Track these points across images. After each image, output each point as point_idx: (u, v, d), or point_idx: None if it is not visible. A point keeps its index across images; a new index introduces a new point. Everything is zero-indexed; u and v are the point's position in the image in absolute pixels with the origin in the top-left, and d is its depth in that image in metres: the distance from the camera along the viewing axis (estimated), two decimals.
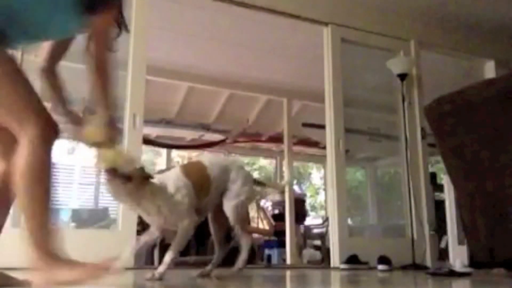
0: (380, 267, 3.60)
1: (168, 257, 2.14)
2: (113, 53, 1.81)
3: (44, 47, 1.81)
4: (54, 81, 1.86)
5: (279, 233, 6.53)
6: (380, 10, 4.65)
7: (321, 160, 8.87)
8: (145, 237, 2.34)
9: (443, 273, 2.91)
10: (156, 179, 2.15)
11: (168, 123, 6.98)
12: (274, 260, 6.34)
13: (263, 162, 11.95)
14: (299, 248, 6.59)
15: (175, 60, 5.65)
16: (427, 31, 4.87)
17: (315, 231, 7.12)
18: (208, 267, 2.49)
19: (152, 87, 5.22)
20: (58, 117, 1.68)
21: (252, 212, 7.34)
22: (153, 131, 7.16)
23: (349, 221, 4.48)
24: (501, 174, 2.58)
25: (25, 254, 1.44)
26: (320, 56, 4.42)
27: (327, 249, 4.60)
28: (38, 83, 1.72)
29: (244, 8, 4.13)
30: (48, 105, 1.68)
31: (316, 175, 13.29)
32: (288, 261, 6.06)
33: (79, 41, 1.80)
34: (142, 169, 2.11)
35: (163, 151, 8.12)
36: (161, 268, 2.12)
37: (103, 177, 2.07)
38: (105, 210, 5.15)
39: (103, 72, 1.74)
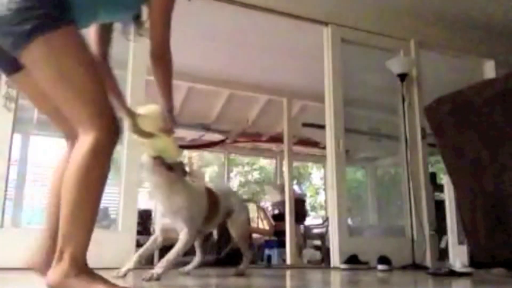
0: (380, 267, 3.60)
1: (165, 261, 2.19)
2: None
3: (91, 32, 1.71)
4: (107, 69, 1.76)
5: (279, 233, 6.53)
6: (380, 10, 4.65)
7: (321, 160, 8.88)
8: (149, 243, 2.42)
9: (443, 273, 2.91)
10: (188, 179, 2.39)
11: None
12: (274, 260, 6.33)
13: (263, 162, 11.96)
14: (299, 248, 6.59)
15: (175, 60, 5.61)
16: (427, 31, 4.86)
17: (315, 231, 7.11)
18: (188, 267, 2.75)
19: (152, 87, 5.20)
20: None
21: (252, 212, 7.34)
22: None
23: (349, 221, 4.48)
24: (501, 174, 2.57)
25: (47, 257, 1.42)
26: (320, 56, 4.42)
27: (327, 249, 4.59)
28: None
29: (244, 8, 4.14)
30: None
31: (316, 175, 13.29)
32: (288, 261, 6.06)
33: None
34: (182, 163, 2.30)
35: None
36: (159, 269, 2.13)
37: (148, 164, 2.18)
38: (105, 210, 5.15)
39: (163, 59, 1.65)
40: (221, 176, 8.47)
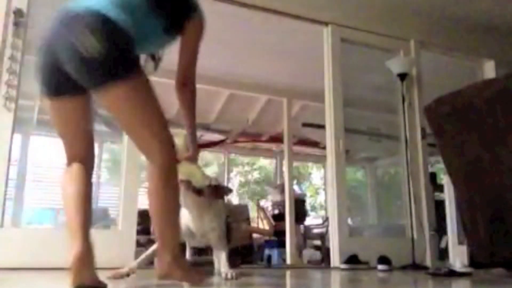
0: (380, 267, 3.60)
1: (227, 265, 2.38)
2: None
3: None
4: (183, 96, 2.00)
5: (279, 233, 6.53)
6: (380, 10, 4.65)
7: (321, 160, 8.88)
8: (149, 252, 2.43)
9: (443, 273, 2.91)
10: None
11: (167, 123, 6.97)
12: (274, 260, 6.33)
13: (263, 162, 11.94)
14: (299, 248, 6.59)
15: (175, 60, 5.63)
16: (427, 31, 4.86)
17: (315, 231, 7.11)
18: None
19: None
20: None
21: (252, 212, 7.34)
22: None
23: (349, 221, 4.48)
24: (501, 174, 2.58)
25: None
26: (320, 56, 4.42)
27: (327, 249, 4.59)
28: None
29: (244, 8, 4.14)
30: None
31: (316, 175, 13.27)
32: (288, 261, 6.06)
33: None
34: (215, 187, 2.33)
35: None
36: (230, 269, 2.35)
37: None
38: (105, 210, 5.15)
39: (187, 87, 1.93)
40: (221, 176, 8.46)
